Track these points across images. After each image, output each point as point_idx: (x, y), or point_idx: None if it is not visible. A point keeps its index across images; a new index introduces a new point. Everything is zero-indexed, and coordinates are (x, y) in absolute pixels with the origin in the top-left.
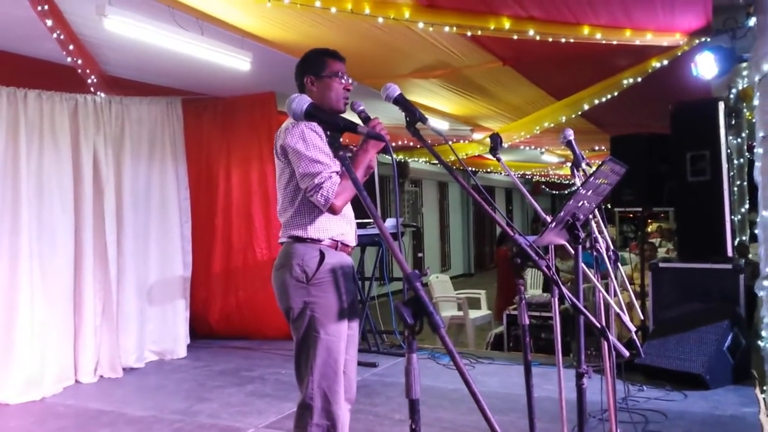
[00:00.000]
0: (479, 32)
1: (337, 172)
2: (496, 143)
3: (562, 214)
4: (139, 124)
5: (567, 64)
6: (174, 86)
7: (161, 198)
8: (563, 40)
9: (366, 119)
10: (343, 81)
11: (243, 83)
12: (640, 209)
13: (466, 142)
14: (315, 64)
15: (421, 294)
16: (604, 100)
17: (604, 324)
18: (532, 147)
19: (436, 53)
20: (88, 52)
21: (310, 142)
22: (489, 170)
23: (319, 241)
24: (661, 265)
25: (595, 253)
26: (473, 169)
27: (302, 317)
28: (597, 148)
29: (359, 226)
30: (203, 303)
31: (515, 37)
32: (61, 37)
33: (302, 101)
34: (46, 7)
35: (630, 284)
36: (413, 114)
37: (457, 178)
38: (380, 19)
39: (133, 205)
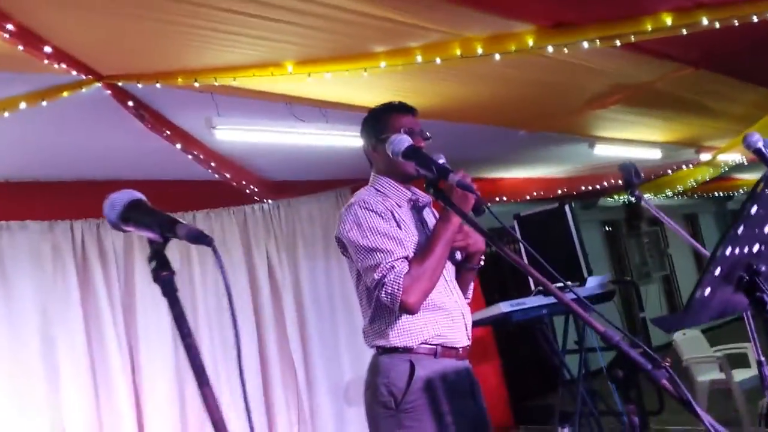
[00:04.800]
0: (632, 38)
1: (406, 257)
2: (630, 174)
3: (719, 269)
4: (311, 223)
5: None
6: (336, 177)
7: (343, 293)
8: (755, 18)
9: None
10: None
11: None
12: None
13: (691, 167)
14: (375, 127)
15: None
16: None
17: None
18: None
19: (594, 76)
20: (233, 164)
21: (365, 225)
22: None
23: (409, 349)
24: None
25: None
26: (722, 193)
27: None
28: None
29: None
30: None
31: (684, 32)
32: (201, 156)
33: None
34: (168, 132)
35: None
36: (432, 171)
37: (501, 249)
38: (497, 56)
39: (314, 305)
